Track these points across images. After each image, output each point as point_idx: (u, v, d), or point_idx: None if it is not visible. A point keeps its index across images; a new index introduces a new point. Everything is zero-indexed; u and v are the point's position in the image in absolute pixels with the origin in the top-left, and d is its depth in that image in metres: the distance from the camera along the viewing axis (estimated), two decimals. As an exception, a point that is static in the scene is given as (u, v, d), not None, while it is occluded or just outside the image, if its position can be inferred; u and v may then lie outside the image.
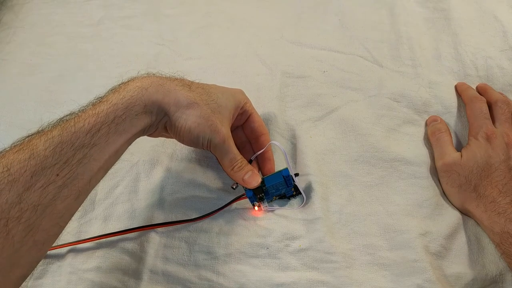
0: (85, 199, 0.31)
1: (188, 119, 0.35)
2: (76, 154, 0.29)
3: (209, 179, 0.44)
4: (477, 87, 0.49)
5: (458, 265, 0.39)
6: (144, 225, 0.41)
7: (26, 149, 0.28)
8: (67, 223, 0.30)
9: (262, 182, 0.40)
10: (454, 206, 0.42)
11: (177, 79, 0.37)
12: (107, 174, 0.43)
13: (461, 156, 0.42)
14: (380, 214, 0.41)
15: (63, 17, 0.59)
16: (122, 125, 0.32)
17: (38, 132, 0.30)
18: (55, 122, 0.31)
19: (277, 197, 0.42)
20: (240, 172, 0.38)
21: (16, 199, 0.26)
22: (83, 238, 0.40)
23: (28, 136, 0.29)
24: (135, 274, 0.39)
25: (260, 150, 0.42)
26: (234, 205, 0.41)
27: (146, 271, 0.39)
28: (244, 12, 0.59)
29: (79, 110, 0.32)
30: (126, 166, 0.45)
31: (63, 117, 0.31)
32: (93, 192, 0.42)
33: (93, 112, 0.31)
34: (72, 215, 0.31)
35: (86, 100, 0.50)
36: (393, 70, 0.52)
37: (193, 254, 0.39)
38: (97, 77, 0.53)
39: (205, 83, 0.40)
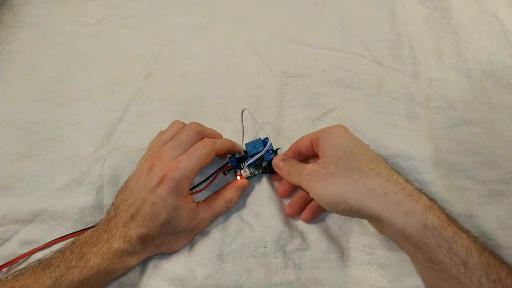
0: None
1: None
2: None
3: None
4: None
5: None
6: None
7: None
8: None
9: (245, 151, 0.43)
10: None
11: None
12: (110, 173, 0.44)
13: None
14: (379, 214, 0.41)
15: (63, 17, 0.59)
16: None
17: None
18: None
19: (259, 170, 0.42)
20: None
21: None
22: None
23: None
24: (136, 273, 0.39)
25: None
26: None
27: (146, 270, 0.39)
28: (244, 12, 0.59)
29: None
30: (126, 166, 0.45)
31: None
32: (99, 195, 0.43)
33: None
34: None
35: (86, 99, 0.50)
36: (393, 69, 0.52)
37: (192, 253, 0.39)
38: (97, 77, 0.53)
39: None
